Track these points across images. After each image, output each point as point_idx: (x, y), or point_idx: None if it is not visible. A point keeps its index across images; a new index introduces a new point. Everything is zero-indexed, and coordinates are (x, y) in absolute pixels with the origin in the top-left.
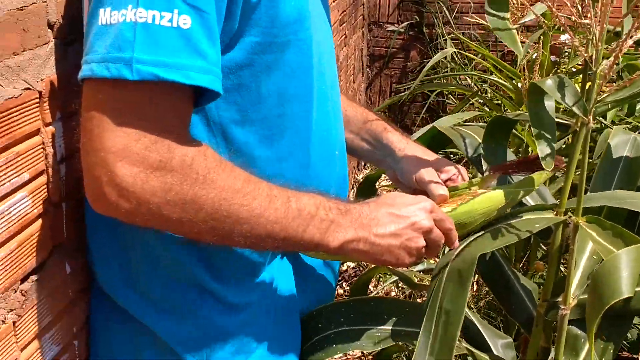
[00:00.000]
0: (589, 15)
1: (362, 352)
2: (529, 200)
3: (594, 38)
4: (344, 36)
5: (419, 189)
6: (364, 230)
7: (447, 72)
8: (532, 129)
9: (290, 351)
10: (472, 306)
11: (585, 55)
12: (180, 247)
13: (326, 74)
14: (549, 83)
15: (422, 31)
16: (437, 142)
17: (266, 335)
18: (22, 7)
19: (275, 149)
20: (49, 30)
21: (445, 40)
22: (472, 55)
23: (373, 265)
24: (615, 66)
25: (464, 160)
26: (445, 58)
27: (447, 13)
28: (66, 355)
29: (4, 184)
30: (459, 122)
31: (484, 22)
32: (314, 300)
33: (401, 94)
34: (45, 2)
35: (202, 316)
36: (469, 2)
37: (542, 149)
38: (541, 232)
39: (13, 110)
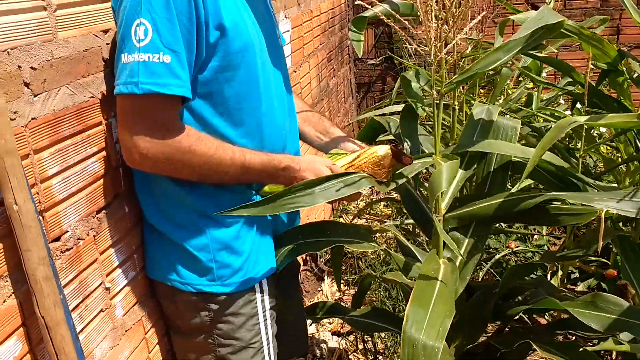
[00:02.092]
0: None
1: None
2: (425, 150)
3: (430, 44)
4: (332, 69)
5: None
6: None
7: None
8: (408, 98)
9: (266, 255)
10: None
11: (427, 55)
12: (187, 187)
13: (271, 83)
14: (410, 74)
15: (393, 62)
16: (375, 127)
17: (250, 245)
18: (86, 49)
19: (238, 131)
20: (104, 63)
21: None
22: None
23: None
24: (446, 59)
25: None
26: None
27: (410, 48)
28: (129, 262)
29: (82, 151)
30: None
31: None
32: (282, 228)
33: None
34: (100, 46)
35: (206, 231)
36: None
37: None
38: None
39: (85, 109)
